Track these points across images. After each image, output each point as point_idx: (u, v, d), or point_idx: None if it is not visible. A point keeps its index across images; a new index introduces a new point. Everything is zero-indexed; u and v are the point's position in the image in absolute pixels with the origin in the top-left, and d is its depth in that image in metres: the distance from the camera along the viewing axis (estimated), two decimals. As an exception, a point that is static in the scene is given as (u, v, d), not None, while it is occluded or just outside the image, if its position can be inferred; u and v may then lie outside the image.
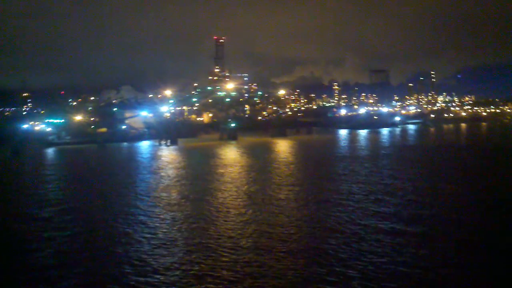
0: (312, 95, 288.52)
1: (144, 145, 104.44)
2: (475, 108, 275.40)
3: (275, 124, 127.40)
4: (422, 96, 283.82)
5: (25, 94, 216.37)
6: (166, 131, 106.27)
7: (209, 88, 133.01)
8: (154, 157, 77.76)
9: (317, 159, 67.87)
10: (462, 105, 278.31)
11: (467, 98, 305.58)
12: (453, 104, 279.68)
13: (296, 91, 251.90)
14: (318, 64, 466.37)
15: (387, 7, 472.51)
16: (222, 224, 28.70)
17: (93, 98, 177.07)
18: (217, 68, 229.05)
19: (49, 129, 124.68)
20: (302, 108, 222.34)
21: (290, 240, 24.90)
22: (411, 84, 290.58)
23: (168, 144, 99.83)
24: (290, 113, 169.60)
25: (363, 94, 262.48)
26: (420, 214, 30.16)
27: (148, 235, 26.63)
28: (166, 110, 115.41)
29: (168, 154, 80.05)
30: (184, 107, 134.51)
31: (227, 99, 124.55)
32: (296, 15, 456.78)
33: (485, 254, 22.01)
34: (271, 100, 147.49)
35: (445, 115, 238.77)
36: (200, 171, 55.68)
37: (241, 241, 24.99)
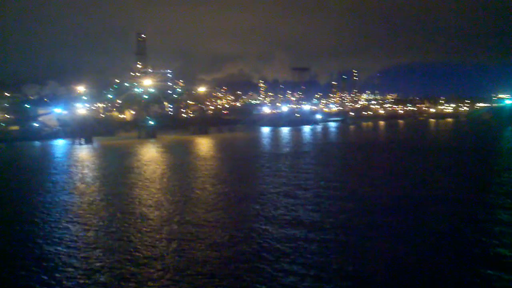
0: (239, 92, 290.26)
1: (57, 144, 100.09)
2: (394, 106, 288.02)
3: (196, 121, 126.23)
4: (346, 94, 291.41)
5: None
6: (80, 129, 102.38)
7: (126, 84, 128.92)
8: (63, 156, 74.47)
9: (233, 156, 67.51)
10: (383, 103, 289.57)
11: (389, 96, 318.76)
12: (374, 102, 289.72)
13: (223, 88, 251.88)
14: (248, 61, 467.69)
15: (316, 5, 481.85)
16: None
17: (10, 94, 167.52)
18: (138, 64, 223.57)
19: None
20: (226, 106, 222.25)
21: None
22: (335, 83, 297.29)
23: (82, 142, 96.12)
24: (211, 111, 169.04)
25: (288, 92, 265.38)
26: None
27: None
28: (81, 107, 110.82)
29: (80, 153, 76.71)
30: (100, 104, 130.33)
31: (145, 96, 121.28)
32: (225, 11, 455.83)
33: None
34: (192, 98, 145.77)
35: (364, 113, 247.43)
36: (113, 170, 53.69)
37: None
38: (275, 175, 45.06)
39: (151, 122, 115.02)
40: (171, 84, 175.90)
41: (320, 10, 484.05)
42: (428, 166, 51.41)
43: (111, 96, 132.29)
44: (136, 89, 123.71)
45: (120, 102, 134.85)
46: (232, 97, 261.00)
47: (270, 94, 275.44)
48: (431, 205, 30.38)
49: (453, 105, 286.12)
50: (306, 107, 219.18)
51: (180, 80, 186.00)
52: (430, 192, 35.32)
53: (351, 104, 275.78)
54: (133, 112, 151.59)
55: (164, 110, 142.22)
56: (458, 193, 34.32)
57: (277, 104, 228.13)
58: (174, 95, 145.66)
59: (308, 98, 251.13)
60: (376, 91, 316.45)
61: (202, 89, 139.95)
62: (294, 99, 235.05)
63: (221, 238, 23.54)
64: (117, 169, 55.14)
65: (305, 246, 21.77)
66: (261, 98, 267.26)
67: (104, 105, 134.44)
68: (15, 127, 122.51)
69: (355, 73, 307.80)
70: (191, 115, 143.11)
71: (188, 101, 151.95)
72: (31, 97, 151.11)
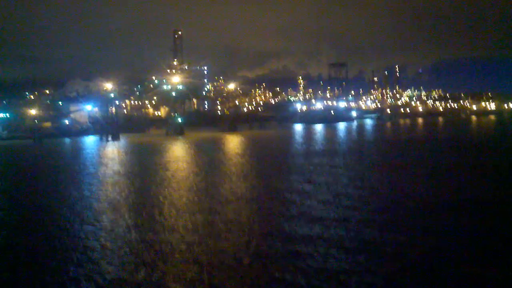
0: (277, 89, 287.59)
1: (86, 141, 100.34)
2: (437, 102, 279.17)
3: (225, 118, 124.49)
4: (387, 91, 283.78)
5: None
6: (109, 126, 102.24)
7: (155, 81, 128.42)
8: (89, 153, 74.07)
9: (259, 155, 65.07)
10: (426, 99, 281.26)
11: (434, 93, 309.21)
12: (416, 98, 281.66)
13: (261, 85, 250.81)
14: (290, 58, 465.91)
15: (361, 1, 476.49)
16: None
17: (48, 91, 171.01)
18: (174, 61, 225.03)
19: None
20: (261, 103, 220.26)
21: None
22: (376, 79, 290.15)
23: (109, 139, 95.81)
24: (245, 108, 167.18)
25: (328, 88, 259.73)
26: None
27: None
28: (111, 104, 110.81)
29: (104, 150, 76.14)
30: (129, 102, 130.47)
31: (173, 93, 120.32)
32: (268, 8, 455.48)
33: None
34: (223, 94, 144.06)
35: (402, 110, 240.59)
36: (137, 168, 52.20)
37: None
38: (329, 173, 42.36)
39: (179, 119, 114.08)
40: (205, 80, 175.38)
41: (365, 6, 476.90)
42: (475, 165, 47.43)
43: (139, 93, 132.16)
44: (165, 86, 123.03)
45: (148, 99, 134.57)
46: (270, 94, 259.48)
47: (310, 90, 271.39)
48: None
49: (497, 102, 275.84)
50: (342, 104, 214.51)
51: (220, 77, 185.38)
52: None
53: (391, 101, 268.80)
54: (167, 109, 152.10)
55: (193, 107, 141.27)
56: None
57: (312, 101, 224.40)
58: (203, 92, 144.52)
59: (345, 95, 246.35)
60: (421, 87, 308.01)
61: (231, 86, 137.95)
62: (329, 95, 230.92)
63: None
64: (135, 166, 53.67)
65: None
66: (300, 95, 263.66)
67: (134, 102, 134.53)
68: (48, 124, 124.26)
69: (398, 69, 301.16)
70: (225, 112, 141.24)
71: (219, 98, 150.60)
72: (68, 94, 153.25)
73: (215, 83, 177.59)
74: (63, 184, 40.43)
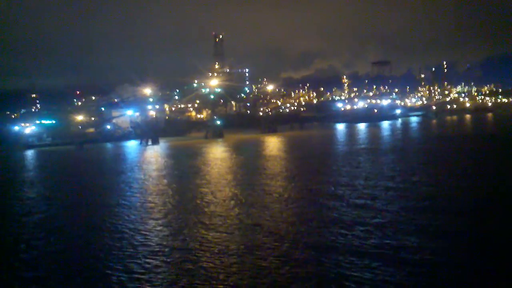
0: (321, 89, 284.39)
1: (127, 145, 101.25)
2: (487, 98, 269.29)
3: (265, 120, 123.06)
4: (435, 87, 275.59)
5: (33, 95, 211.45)
6: (149, 130, 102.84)
7: (194, 85, 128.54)
8: (129, 157, 74.58)
9: (297, 156, 63.46)
10: (476, 95, 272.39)
11: (485, 88, 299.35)
12: (466, 95, 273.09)
13: (305, 85, 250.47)
14: (335, 58, 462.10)
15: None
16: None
17: (94, 97, 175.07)
18: (216, 65, 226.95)
19: (31, 130, 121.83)
20: (303, 103, 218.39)
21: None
22: (422, 75, 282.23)
23: (149, 143, 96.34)
24: (287, 108, 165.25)
25: (373, 87, 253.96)
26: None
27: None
28: (151, 108, 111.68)
29: (145, 154, 76.46)
30: (167, 106, 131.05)
31: (211, 96, 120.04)
32: (313, 8, 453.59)
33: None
34: (262, 96, 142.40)
35: (448, 106, 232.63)
36: (175, 171, 51.81)
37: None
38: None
39: (218, 122, 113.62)
40: (246, 82, 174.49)
41: (413, 3, 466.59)
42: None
43: (178, 97, 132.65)
44: (203, 90, 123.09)
45: (187, 103, 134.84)
46: (315, 94, 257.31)
47: (354, 89, 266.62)
48: None
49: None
50: (385, 101, 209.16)
51: (264, 79, 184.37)
52: None
53: (439, 97, 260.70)
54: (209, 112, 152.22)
55: (232, 109, 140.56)
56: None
57: (355, 99, 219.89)
58: (242, 95, 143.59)
59: (389, 93, 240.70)
60: (472, 83, 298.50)
61: (270, 87, 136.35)
62: (371, 94, 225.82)
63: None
64: (175, 169, 53.19)
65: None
66: (344, 94, 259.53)
67: (176, 106, 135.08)
68: (91, 130, 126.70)
69: (447, 65, 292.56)
70: (268, 113, 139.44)
71: (259, 100, 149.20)
72: (111, 101, 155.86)
73: (254, 86, 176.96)
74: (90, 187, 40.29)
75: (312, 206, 28.59)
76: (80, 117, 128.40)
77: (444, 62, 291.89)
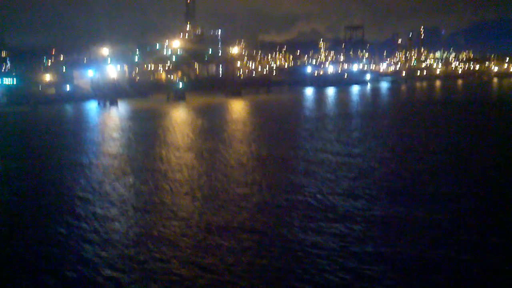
0: (297, 52, 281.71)
1: (84, 107, 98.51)
2: (458, 64, 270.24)
3: (229, 83, 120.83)
4: (412, 53, 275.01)
5: (3, 54, 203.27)
6: (110, 92, 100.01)
7: (156, 46, 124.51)
8: (78, 119, 72.53)
9: (247, 121, 62.46)
10: (454, 61, 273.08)
11: (464, 55, 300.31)
12: (443, 61, 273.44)
13: (282, 49, 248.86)
14: (323, 21, 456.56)
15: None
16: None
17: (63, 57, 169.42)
18: (188, 26, 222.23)
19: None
20: (274, 67, 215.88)
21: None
22: (400, 40, 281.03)
23: (107, 105, 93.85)
24: (244, 72, 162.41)
25: (351, 52, 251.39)
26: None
27: None
28: (113, 69, 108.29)
29: (98, 116, 74.51)
30: (126, 66, 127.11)
31: (173, 58, 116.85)
32: None
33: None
34: (230, 58, 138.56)
35: (418, 72, 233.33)
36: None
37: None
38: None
39: (180, 84, 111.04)
40: (220, 45, 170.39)
41: None
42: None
43: (137, 58, 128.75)
44: (165, 51, 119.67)
45: (149, 64, 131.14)
46: (291, 57, 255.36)
47: (331, 54, 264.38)
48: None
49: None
50: (356, 67, 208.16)
51: (242, 41, 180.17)
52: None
53: (414, 63, 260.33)
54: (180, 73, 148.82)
55: (197, 72, 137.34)
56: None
57: (326, 64, 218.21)
58: (205, 57, 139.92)
59: (362, 57, 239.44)
60: (451, 49, 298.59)
61: (235, 50, 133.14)
62: (342, 58, 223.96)
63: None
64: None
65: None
66: (321, 58, 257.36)
67: (137, 67, 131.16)
68: (52, 90, 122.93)
69: (425, 31, 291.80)
70: (236, 76, 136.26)
71: (228, 63, 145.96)
72: (76, 59, 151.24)
73: (226, 48, 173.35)
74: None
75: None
76: (46, 77, 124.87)
77: (422, 28, 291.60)
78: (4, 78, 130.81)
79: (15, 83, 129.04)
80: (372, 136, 43.15)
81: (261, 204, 21.72)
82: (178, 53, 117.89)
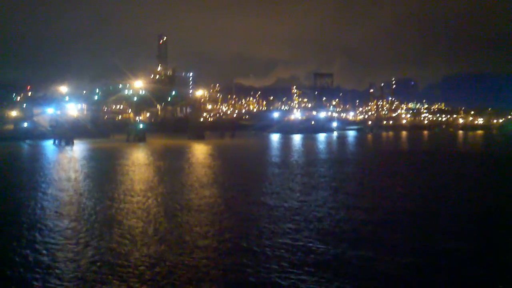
0: (271, 98, 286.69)
1: (39, 145, 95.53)
2: (423, 116, 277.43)
3: (193, 126, 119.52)
4: (384, 103, 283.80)
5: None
6: (67, 130, 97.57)
7: (118, 86, 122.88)
8: (25, 157, 69.65)
9: (205, 165, 60.65)
10: (426, 112, 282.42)
11: (436, 106, 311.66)
12: (415, 112, 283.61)
13: (256, 94, 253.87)
14: (302, 68, 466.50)
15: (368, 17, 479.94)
16: None
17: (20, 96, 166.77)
18: (159, 67, 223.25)
19: None
20: (243, 111, 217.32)
21: None
22: (371, 90, 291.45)
23: (62, 144, 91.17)
24: (222, 115, 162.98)
25: (323, 98, 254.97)
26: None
27: None
28: (73, 108, 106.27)
29: (50, 155, 71.83)
30: (85, 105, 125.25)
31: (134, 98, 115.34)
32: (279, 18, 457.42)
33: None
34: (190, 101, 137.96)
35: (384, 122, 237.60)
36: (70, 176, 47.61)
37: None
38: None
39: (141, 125, 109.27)
40: (191, 87, 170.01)
41: (371, 21, 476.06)
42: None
43: (97, 97, 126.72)
44: (127, 91, 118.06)
45: (110, 104, 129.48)
46: (264, 102, 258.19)
47: (304, 100, 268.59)
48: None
49: (486, 117, 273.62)
50: (323, 114, 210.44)
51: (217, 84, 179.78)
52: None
53: (385, 113, 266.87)
54: (148, 114, 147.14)
55: (161, 114, 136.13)
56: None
57: (294, 110, 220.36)
58: (168, 99, 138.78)
59: (329, 105, 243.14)
60: (424, 101, 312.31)
61: (199, 93, 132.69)
62: (310, 105, 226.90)
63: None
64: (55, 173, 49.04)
65: None
66: (294, 104, 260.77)
67: (95, 106, 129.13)
68: (10, 127, 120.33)
69: (398, 82, 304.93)
70: (202, 119, 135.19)
71: (195, 105, 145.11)
72: (37, 96, 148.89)
73: (197, 90, 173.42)
74: None
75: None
76: (11, 113, 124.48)
77: (393, 79, 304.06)
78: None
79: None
80: (325, 184, 41.87)
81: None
82: (140, 93, 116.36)
